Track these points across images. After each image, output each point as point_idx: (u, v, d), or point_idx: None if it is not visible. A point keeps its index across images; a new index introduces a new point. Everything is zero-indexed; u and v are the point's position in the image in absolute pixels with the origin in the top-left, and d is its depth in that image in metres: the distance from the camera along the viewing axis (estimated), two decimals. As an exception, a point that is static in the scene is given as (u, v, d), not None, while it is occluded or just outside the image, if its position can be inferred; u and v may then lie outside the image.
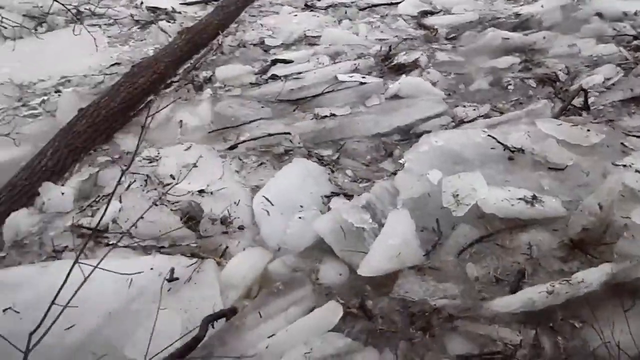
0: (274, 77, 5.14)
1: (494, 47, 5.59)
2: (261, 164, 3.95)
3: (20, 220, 3.37)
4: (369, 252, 3.00)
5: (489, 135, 3.73)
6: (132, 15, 7.00)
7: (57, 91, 5.18)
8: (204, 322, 2.64)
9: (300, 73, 5.13)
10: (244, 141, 4.10)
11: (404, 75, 4.99)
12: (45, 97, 5.05)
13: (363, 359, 2.59)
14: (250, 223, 3.41)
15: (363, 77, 4.89)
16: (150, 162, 3.89)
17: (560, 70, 5.06)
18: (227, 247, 3.18)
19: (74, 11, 6.32)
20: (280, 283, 2.94)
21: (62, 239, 3.31)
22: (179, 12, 7.16)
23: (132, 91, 4.82)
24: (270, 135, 4.11)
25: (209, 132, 4.32)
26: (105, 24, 6.76)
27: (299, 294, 2.90)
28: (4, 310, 2.72)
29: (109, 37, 6.45)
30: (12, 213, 3.40)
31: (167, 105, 4.39)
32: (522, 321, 2.66)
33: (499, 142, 3.66)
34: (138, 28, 6.75)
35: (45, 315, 2.15)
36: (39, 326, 2.14)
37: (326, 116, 4.35)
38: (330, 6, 7.24)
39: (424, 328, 2.71)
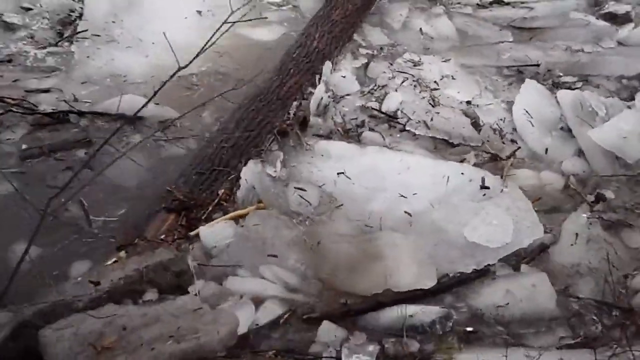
0: (499, 2, 5.25)
1: None
2: (510, 83, 4.18)
3: (322, 95, 3.73)
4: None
5: None
6: None
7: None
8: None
9: (524, 2, 5.22)
10: (510, 67, 4.33)
11: (631, 24, 5.02)
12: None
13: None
14: (517, 137, 3.71)
15: (597, 19, 4.97)
16: (415, 65, 4.17)
17: None
18: (519, 147, 3.53)
19: None
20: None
21: (352, 116, 3.74)
22: None
23: (369, -11, 5.03)
24: (535, 65, 4.30)
25: (467, 46, 4.57)
26: None
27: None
28: (338, 174, 3.23)
29: None
30: (317, 88, 3.76)
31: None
32: None
33: None
34: None
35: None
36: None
37: (579, 50, 4.47)
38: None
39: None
